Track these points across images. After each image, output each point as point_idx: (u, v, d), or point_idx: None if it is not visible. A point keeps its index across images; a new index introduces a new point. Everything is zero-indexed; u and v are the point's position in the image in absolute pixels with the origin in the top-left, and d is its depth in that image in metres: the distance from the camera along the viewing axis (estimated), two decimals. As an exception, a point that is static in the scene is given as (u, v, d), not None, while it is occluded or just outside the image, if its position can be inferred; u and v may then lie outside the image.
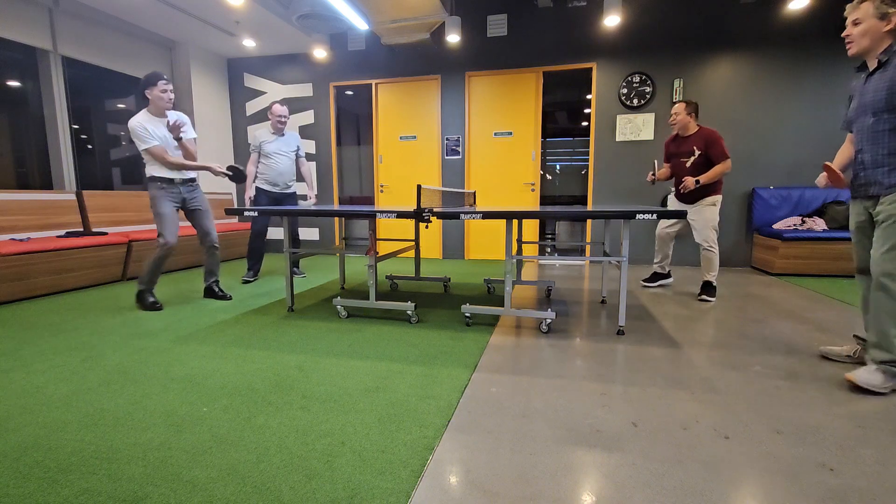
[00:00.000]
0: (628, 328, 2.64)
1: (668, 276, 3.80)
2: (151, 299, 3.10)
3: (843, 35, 1.93)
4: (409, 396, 1.74)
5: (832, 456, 1.34)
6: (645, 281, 3.84)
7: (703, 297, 3.33)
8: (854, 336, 2.16)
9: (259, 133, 3.95)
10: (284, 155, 3.98)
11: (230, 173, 3.14)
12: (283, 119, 3.91)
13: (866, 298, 2.01)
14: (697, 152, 3.29)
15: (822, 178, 2.08)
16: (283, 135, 3.99)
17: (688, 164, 3.34)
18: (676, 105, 3.38)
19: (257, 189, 3.98)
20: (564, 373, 1.97)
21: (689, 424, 1.53)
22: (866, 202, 1.93)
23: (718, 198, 3.33)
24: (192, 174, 3.19)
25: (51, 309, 3.07)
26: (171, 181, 3.07)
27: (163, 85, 2.97)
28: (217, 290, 3.38)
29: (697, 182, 3.22)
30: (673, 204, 3.59)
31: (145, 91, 2.96)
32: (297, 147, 4.11)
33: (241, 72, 6.00)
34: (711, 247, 3.31)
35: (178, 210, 3.15)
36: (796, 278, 4.19)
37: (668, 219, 3.08)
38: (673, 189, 3.58)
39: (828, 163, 2.00)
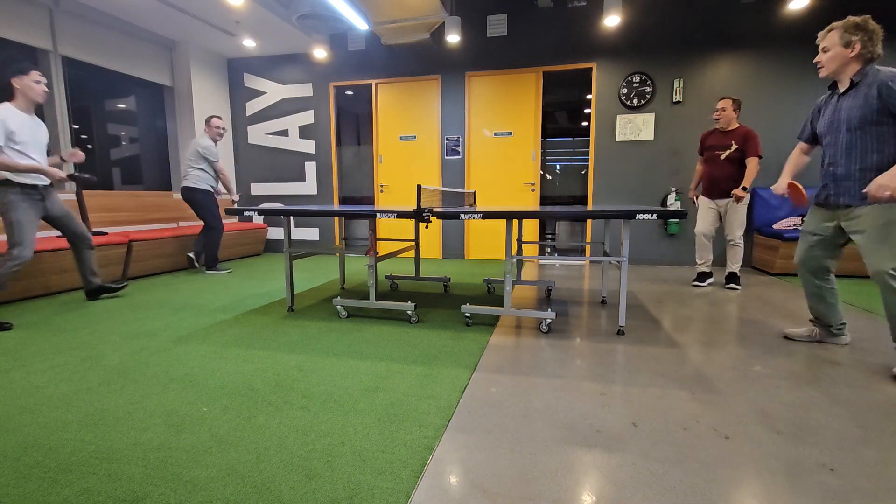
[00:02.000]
0: (628, 328, 2.64)
1: (711, 274, 3.91)
2: None
3: (814, 61, 2.11)
4: (409, 396, 1.74)
5: (832, 456, 1.34)
6: (695, 282, 3.88)
7: (732, 285, 3.62)
8: (810, 321, 2.40)
9: (211, 145, 4.28)
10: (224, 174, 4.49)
11: (71, 181, 2.95)
12: (223, 131, 4.39)
13: (811, 290, 2.28)
14: (734, 146, 3.51)
15: (781, 187, 2.24)
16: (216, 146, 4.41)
17: (722, 157, 3.56)
18: (722, 101, 3.56)
19: (204, 191, 4.29)
20: (564, 373, 1.97)
21: (689, 424, 1.53)
22: (838, 211, 2.10)
23: (748, 195, 3.55)
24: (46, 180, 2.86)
25: (51, 309, 3.07)
26: (31, 189, 2.77)
27: (36, 76, 2.73)
28: (107, 285, 3.32)
29: (745, 189, 3.49)
30: (702, 202, 3.79)
31: (13, 80, 2.66)
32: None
33: (241, 72, 6.00)
34: (739, 241, 3.58)
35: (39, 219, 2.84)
36: (796, 278, 4.19)
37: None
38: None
39: (796, 182, 2.17)
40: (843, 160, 2.03)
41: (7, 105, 2.66)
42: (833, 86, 2.11)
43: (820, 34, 2.05)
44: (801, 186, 2.14)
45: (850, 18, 1.96)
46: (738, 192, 3.50)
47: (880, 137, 1.92)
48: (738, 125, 3.56)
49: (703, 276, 3.85)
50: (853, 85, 1.99)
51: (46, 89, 2.80)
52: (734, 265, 3.64)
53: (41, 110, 4.26)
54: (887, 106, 1.87)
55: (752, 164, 3.48)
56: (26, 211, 2.74)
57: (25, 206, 2.74)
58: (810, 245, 2.23)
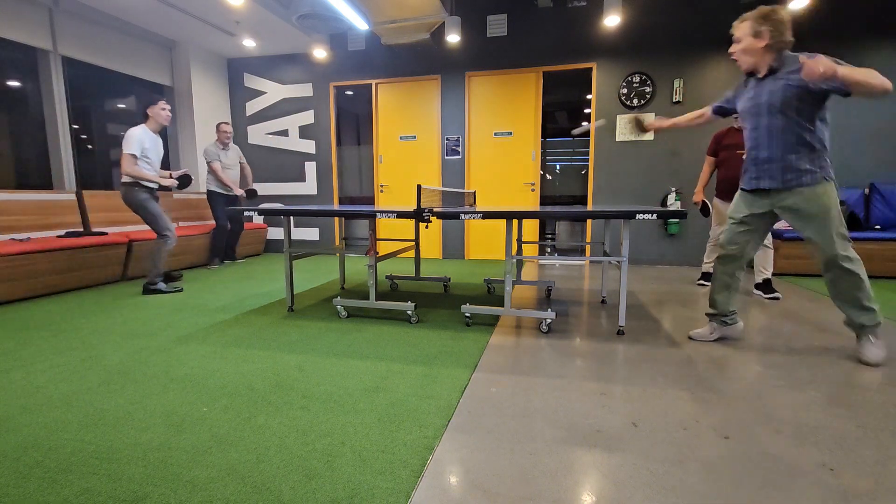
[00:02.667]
0: (628, 328, 2.64)
1: None
2: (165, 287, 3.59)
3: (728, 51, 2.15)
4: (409, 396, 1.74)
5: (832, 456, 1.34)
6: (700, 281, 3.90)
7: (776, 295, 3.35)
8: (706, 314, 2.42)
9: (212, 148, 4.69)
10: (235, 166, 4.91)
11: (177, 182, 3.63)
12: (230, 135, 4.80)
13: (724, 281, 2.31)
14: None
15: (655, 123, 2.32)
16: (228, 148, 4.82)
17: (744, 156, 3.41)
18: None
19: (213, 193, 4.76)
20: (564, 373, 1.97)
21: (689, 424, 1.53)
22: (767, 197, 2.14)
23: None
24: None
25: (51, 309, 3.07)
26: (151, 189, 3.53)
27: (162, 104, 3.47)
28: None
29: None
30: (719, 206, 3.57)
31: (147, 109, 3.44)
32: (241, 156, 5.03)
33: (241, 72, 6.00)
34: (770, 242, 3.43)
35: None
36: (796, 278, 4.19)
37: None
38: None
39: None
40: (766, 143, 2.06)
41: (143, 126, 3.42)
42: (751, 73, 2.12)
43: (734, 24, 2.08)
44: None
45: (762, 8, 1.98)
46: None
47: (800, 120, 1.96)
48: None
49: (709, 276, 3.84)
50: (773, 70, 2.01)
51: (170, 114, 3.54)
52: (768, 270, 3.40)
53: (41, 109, 4.27)
54: (807, 85, 1.88)
55: None
56: (155, 203, 3.52)
57: (153, 200, 3.51)
58: (738, 233, 2.24)
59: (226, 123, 4.76)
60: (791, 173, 2.02)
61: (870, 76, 1.71)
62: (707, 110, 2.39)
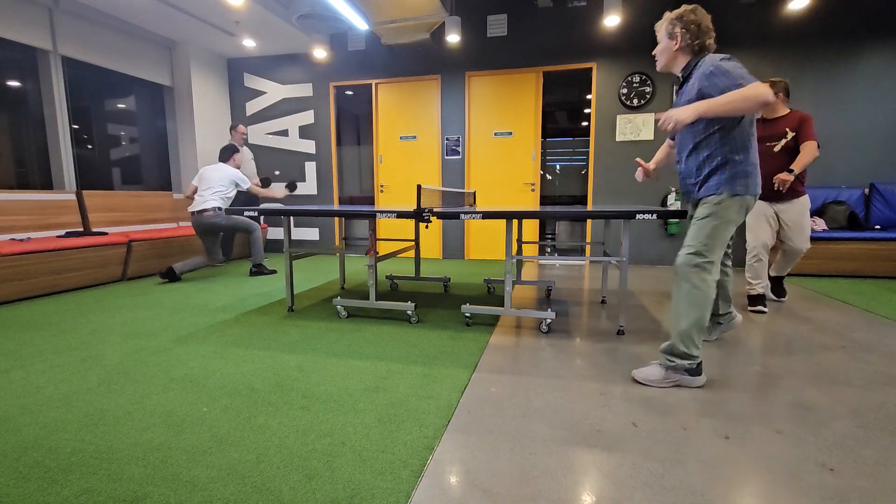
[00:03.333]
0: (628, 328, 2.63)
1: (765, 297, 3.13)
2: (268, 269, 4.43)
3: (652, 53, 2.04)
4: (409, 396, 1.74)
5: (832, 456, 1.34)
6: (756, 307, 3.02)
7: (778, 298, 3.32)
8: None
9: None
10: (249, 161, 5.23)
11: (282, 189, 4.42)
12: (245, 136, 5.12)
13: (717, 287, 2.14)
14: (791, 134, 2.92)
15: (639, 173, 2.28)
16: (243, 149, 5.08)
17: (776, 149, 2.95)
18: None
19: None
20: (564, 373, 1.97)
21: (689, 424, 1.53)
22: (694, 209, 1.99)
23: (793, 177, 2.88)
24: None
25: (51, 309, 3.07)
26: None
27: (242, 128, 4.56)
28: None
29: (791, 171, 2.83)
30: (755, 207, 3.11)
31: (232, 131, 4.52)
32: (252, 156, 5.43)
33: (241, 72, 6.00)
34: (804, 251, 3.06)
35: None
36: (796, 278, 4.19)
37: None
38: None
39: (638, 158, 2.22)
40: (683, 156, 1.94)
41: (221, 164, 4.23)
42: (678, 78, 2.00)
43: (657, 24, 1.94)
44: (640, 161, 2.23)
45: (684, 7, 1.83)
46: (783, 175, 2.82)
47: (708, 131, 1.81)
48: (788, 110, 2.97)
49: (761, 300, 3.04)
50: (686, 78, 1.87)
51: (246, 135, 4.76)
52: (783, 272, 3.25)
53: (41, 109, 4.27)
54: (704, 95, 1.73)
55: (809, 146, 2.84)
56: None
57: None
58: None
59: (242, 125, 5.03)
60: (703, 187, 1.85)
61: (735, 99, 1.59)
62: (668, 141, 2.27)
